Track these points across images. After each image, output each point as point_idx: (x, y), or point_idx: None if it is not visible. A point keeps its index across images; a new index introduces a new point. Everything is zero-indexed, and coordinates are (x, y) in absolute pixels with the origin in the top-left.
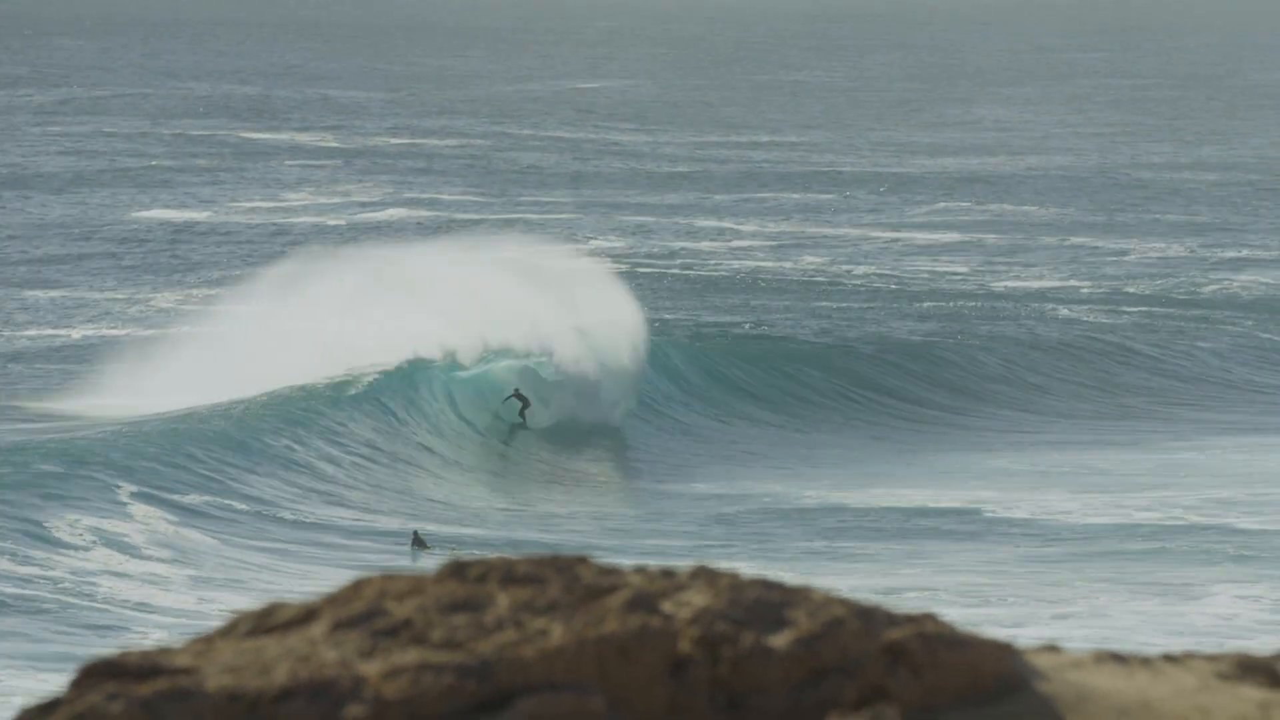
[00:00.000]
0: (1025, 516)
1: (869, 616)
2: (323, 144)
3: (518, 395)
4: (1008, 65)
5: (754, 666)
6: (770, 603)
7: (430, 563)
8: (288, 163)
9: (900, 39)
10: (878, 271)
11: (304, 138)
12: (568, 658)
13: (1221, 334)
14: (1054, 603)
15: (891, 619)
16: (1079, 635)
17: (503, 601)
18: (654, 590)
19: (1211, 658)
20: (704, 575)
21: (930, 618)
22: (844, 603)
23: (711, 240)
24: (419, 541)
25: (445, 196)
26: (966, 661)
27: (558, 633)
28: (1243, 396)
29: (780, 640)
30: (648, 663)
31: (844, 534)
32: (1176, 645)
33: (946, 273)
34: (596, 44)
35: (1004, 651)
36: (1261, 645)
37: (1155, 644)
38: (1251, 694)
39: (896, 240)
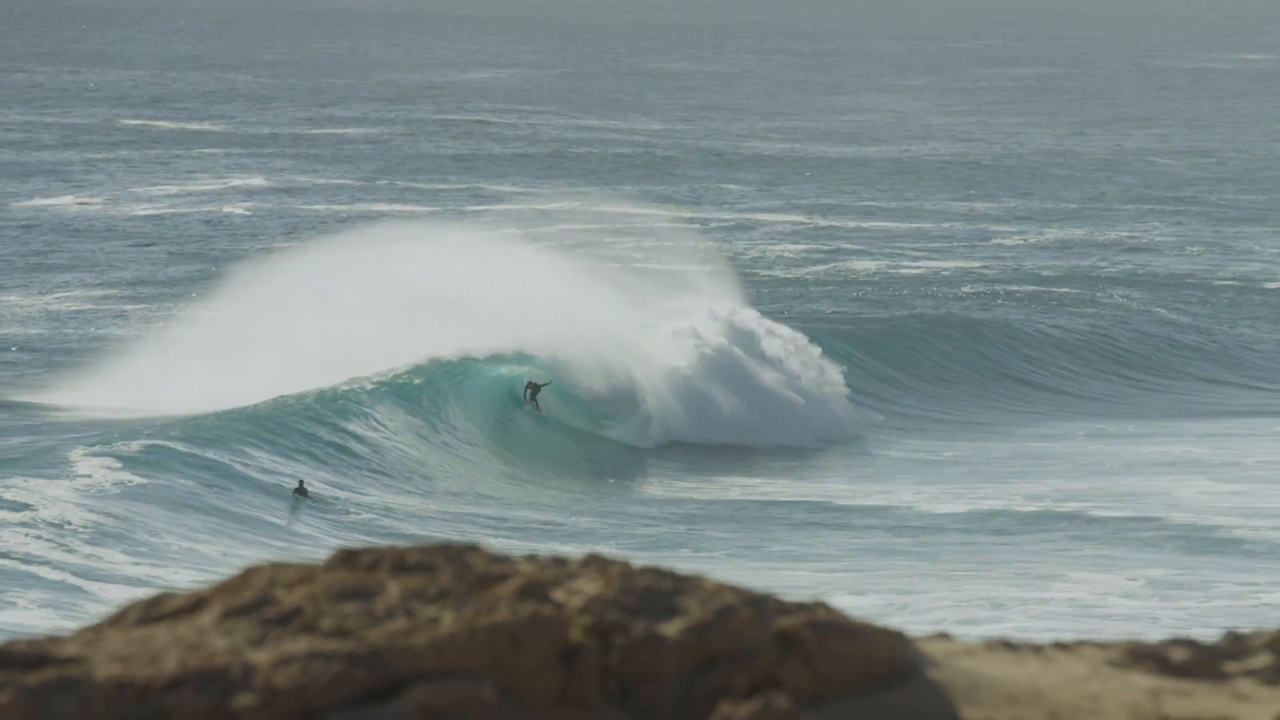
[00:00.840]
0: (877, 505)
1: (760, 604)
2: (213, 131)
3: (531, 385)
4: (896, 53)
5: (645, 655)
6: (661, 591)
7: (307, 514)
8: (175, 151)
9: (796, 26)
10: (750, 252)
11: (197, 126)
12: (458, 646)
13: (1084, 319)
14: (908, 593)
15: (783, 607)
16: (923, 627)
17: (393, 590)
18: (545, 579)
19: (1102, 645)
20: (595, 563)
21: (822, 605)
22: (735, 591)
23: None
24: (301, 491)
25: (340, 182)
26: (858, 649)
27: (448, 621)
28: (1110, 388)
29: (671, 628)
30: (539, 651)
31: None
32: (1037, 636)
33: (787, 254)
34: (490, 31)
35: (896, 639)
36: (1121, 634)
37: (1016, 634)
38: (1142, 681)
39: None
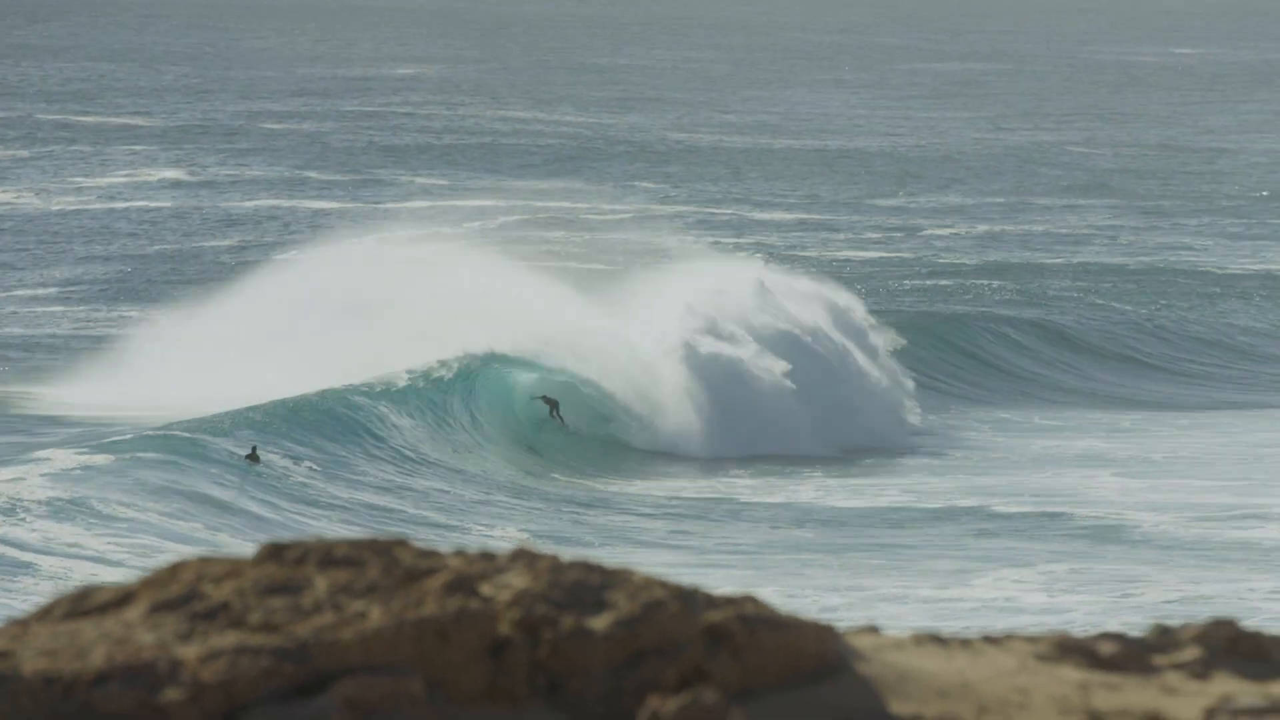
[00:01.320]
0: (781, 501)
1: (689, 598)
2: (138, 125)
3: (545, 400)
4: (817, 46)
5: (573, 649)
6: (590, 585)
7: (258, 474)
8: (99, 146)
9: (726, 19)
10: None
11: (124, 120)
12: (386, 640)
13: (999, 316)
14: (821, 589)
15: (711, 601)
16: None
17: (321, 584)
18: (473, 573)
19: (1031, 639)
20: (524, 557)
21: (751, 599)
22: (664, 585)
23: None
24: (253, 457)
25: (270, 173)
26: (787, 643)
27: (376, 615)
28: (1009, 384)
29: (600, 622)
30: (467, 645)
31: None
32: (949, 632)
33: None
34: (416, 24)
35: (824, 633)
36: (1038, 630)
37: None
38: (1071, 675)
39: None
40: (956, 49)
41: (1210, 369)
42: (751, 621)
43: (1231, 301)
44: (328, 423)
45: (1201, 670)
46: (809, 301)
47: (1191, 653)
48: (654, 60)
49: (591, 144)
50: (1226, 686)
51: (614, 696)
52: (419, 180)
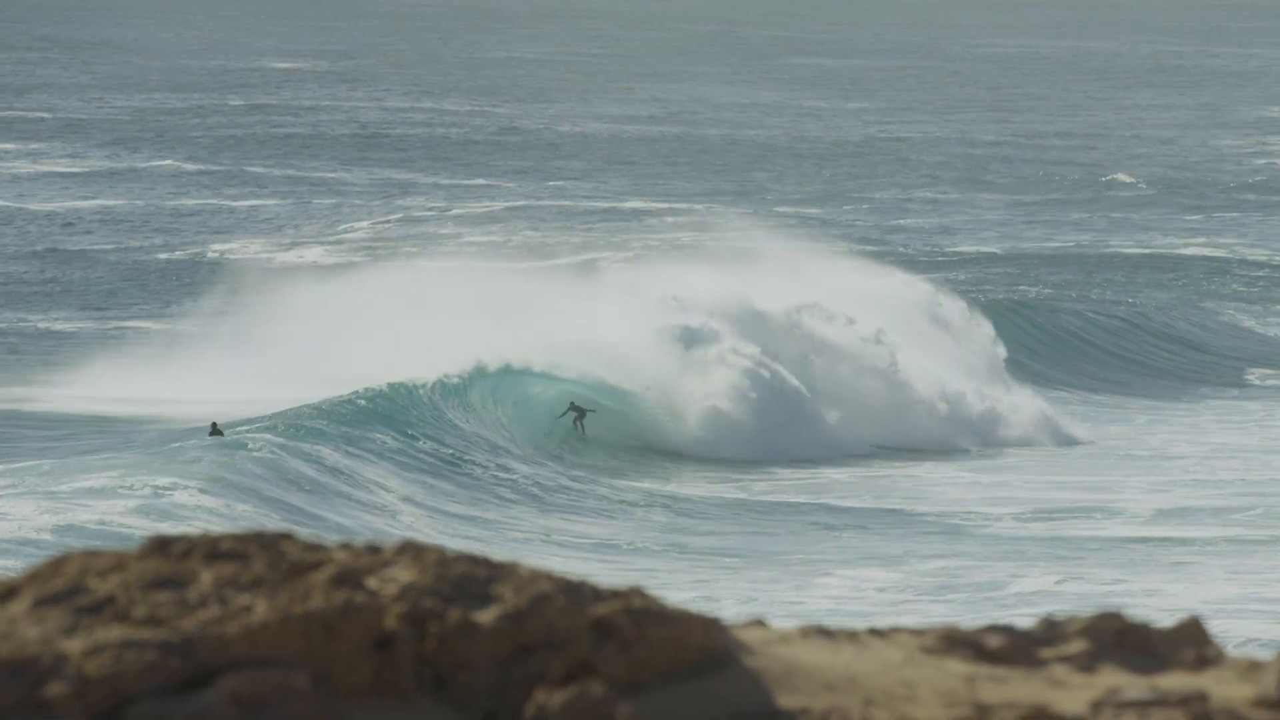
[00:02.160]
0: (648, 488)
1: (576, 592)
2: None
3: (574, 407)
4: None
5: (460, 643)
6: (477, 579)
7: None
8: None
9: (616, 11)
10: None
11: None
12: (271, 634)
13: None
14: (660, 587)
15: (598, 594)
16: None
17: (206, 578)
18: (359, 566)
19: (917, 632)
20: (410, 551)
21: (638, 592)
22: (551, 578)
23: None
24: (216, 431)
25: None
26: (673, 636)
27: (262, 609)
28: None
29: (486, 616)
30: (352, 639)
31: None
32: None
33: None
34: (302, 16)
35: (711, 626)
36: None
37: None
38: (957, 667)
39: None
40: (849, 41)
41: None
42: (638, 615)
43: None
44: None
45: (1088, 663)
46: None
47: (1078, 645)
48: (542, 51)
49: (477, 135)
50: (1113, 679)
51: (500, 690)
52: (314, 173)
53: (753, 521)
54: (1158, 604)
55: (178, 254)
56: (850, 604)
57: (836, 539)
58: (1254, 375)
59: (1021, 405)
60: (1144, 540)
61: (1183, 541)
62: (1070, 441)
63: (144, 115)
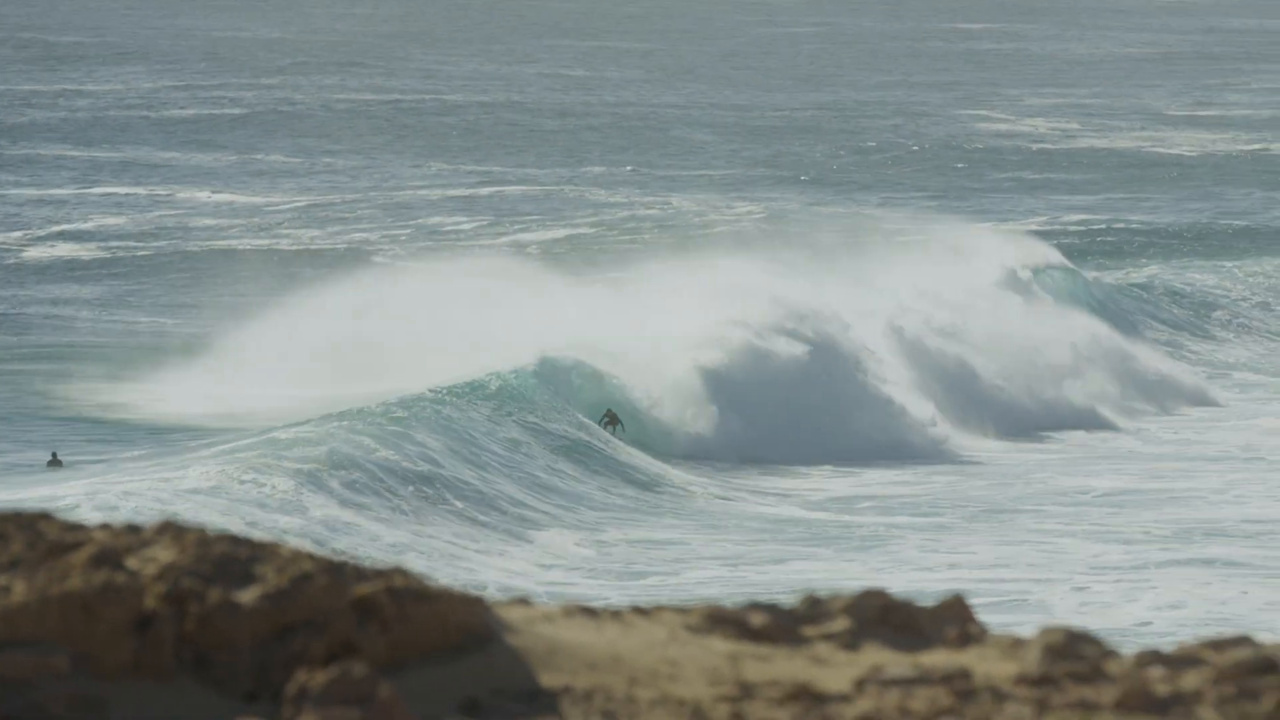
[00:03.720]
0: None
1: (338, 571)
2: None
3: (610, 415)
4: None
5: (221, 623)
6: (238, 558)
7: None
8: None
9: None
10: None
11: None
12: (30, 615)
13: None
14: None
15: (361, 573)
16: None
17: None
18: (119, 546)
19: (681, 610)
20: (170, 530)
21: (400, 571)
22: (313, 558)
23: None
24: (55, 461)
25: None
26: (434, 615)
27: (19, 590)
28: None
29: (247, 596)
30: (112, 619)
31: None
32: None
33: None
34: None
35: (474, 605)
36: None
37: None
38: (721, 646)
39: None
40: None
41: None
42: (400, 594)
43: None
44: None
45: (851, 641)
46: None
47: (841, 623)
48: (301, 29)
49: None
50: (877, 657)
51: (262, 670)
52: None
53: None
54: None
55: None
56: None
57: None
58: None
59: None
60: None
61: None
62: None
63: None
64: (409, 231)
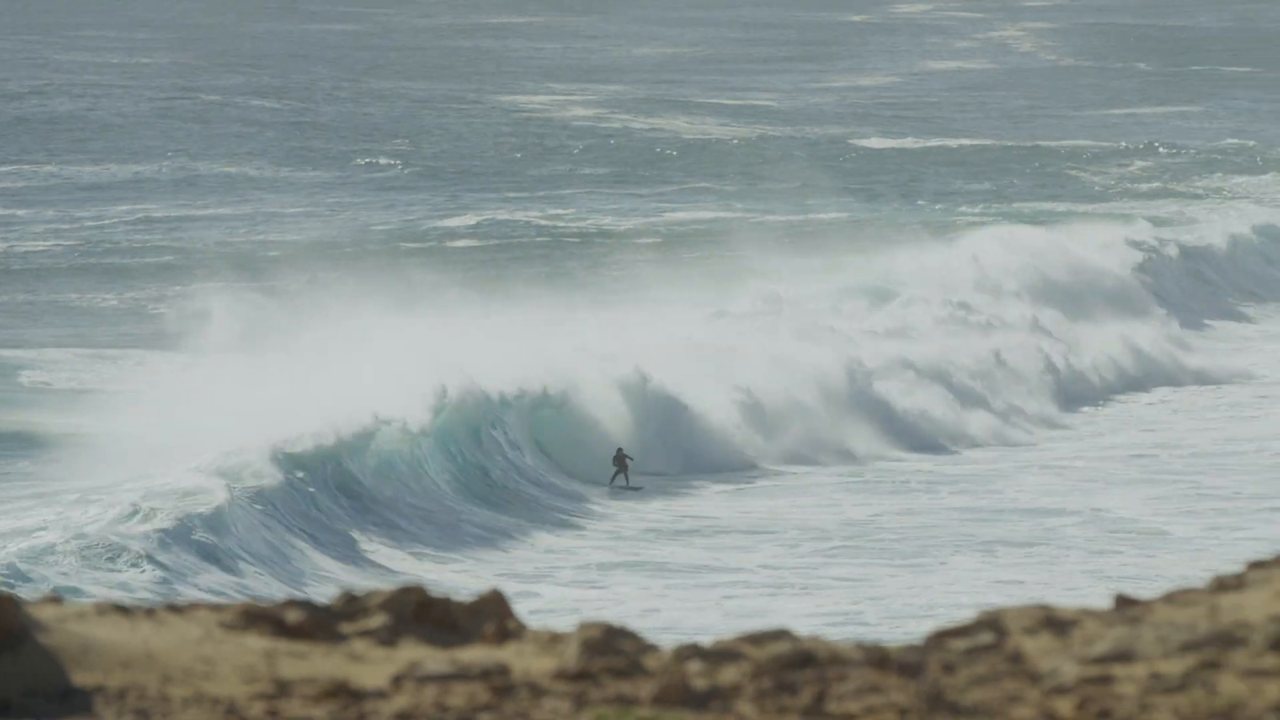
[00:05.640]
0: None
1: None
2: None
3: (621, 453)
4: None
5: None
6: None
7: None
8: None
9: None
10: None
11: None
12: None
13: None
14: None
15: None
16: None
17: None
18: None
19: (217, 608)
20: None
21: None
22: None
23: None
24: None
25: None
26: None
27: None
28: None
29: None
30: None
31: None
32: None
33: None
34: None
35: (4, 603)
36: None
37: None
38: (257, 643)
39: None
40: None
41: None
42: None
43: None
44: None
45: (389, 637)
46: None
47: (379, 620)
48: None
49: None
50: (414, 653)
51: None
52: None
53: None
54: None
55: None
56: None
57: None
58: None
59: None
60: None
61: None
62: None
63: None
64: None
